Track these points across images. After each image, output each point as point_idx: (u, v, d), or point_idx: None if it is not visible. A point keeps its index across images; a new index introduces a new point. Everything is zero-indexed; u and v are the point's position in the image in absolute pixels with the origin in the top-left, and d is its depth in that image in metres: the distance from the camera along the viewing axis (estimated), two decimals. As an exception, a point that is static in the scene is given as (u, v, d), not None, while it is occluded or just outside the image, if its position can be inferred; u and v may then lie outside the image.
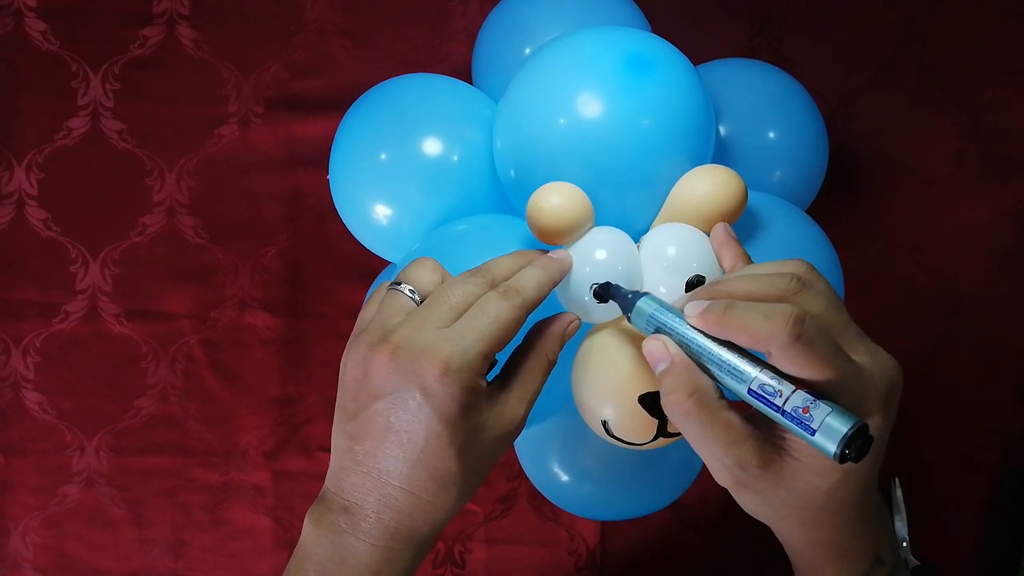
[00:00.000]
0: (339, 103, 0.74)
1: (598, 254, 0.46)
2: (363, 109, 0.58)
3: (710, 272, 0.46)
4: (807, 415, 0.35)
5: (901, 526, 0.70)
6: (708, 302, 0.38)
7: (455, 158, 0.54)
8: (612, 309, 0.47)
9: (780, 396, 0.36)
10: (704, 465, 0.79)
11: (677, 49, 0.51)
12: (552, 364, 0.44)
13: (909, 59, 0.76)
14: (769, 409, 0.36)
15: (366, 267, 0.75)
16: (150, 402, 0.76)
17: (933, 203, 0.77)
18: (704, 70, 0.61)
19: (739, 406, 0.39)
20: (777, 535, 0.43)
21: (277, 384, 0.77)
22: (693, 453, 0.64)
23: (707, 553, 0.78)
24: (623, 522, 0.78)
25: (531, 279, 0.43)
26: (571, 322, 0.45)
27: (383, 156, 0.55)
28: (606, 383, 0.47)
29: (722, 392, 0.38)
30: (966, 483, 0.78)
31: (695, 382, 0.37)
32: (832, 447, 0.34)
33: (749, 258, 0.45)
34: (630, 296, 0.43)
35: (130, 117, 0.75)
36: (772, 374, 0.36)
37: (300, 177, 0.75)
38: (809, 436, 0.35)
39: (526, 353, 0.44)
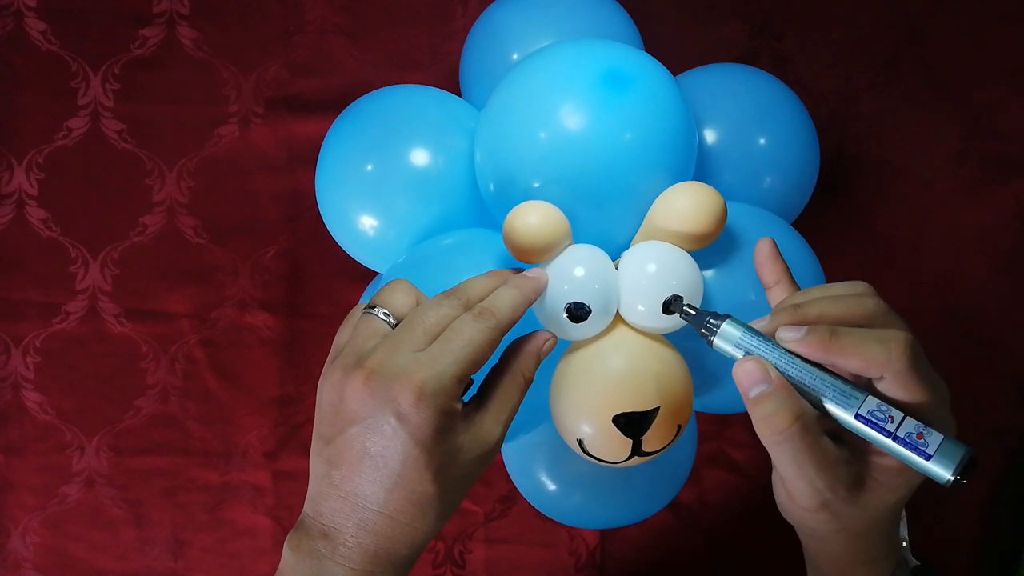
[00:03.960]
0: (339, 103, 0.73)
1: (575, 272, 0.46)
2: (349, 121, 0.58)
3: (689, 291, 0.46)
4: (922, 441, 0.36)
5: (901, 526, 0.70)
6: (805, 327, 0.37)
7: (440, 169, 0.54)
8: (588, 328, 0.47)
9: (891, 422, 0.36)
10: (694, 468, 0.78)
11: (658, 62, 0.51)
12: (528, 382, 0.44)
13: (909, 59, 0.76)
14: (878, 434, 0.37)
15: (365, 268, 0.75)
16: (150, 402, 0.76)
17: (933, 203, 0.77)
18: (693, 76, 0.61)
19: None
20: (812, 544, 0.44)
21: (277, 384, 0.77)
22: (681, 459, 0.64)
23: (707, 553, 0.78)
24: (623, 522, 0.78)
25: (505, 300, 0.42)
26: (547, 340, 0.45)
27: (369, 167, 0.55)
28: (582, 402, 0.47)
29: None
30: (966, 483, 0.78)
31: (800, 405, 0.37)
32: (947, 473, 0.35)
33: (792, 276, 0.45)
34: (710, 320, 0.41)
35: (130, 117, 0.75)
36: (877, 399, 0.37)
37: (300, 177, 0.75)
38: (922, 461, 0.36)
39: (502, 373, 0.43)
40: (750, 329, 0.40)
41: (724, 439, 0.77)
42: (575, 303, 0.46)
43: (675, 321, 0.47)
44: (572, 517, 0.65)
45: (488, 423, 0.41)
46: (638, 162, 0.48)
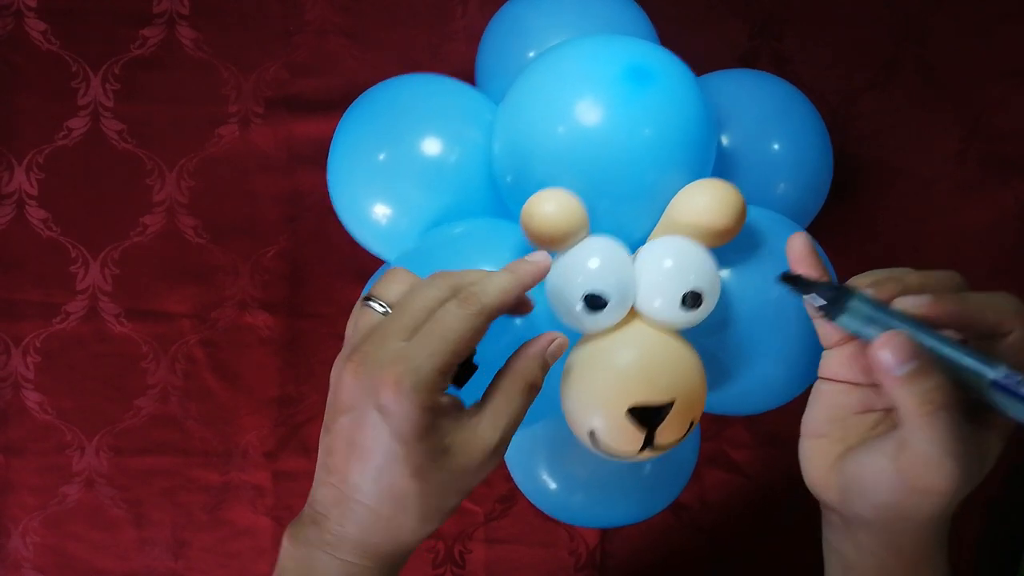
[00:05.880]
0: (339, 103, 0.74)
1: (591, 263, 0.46)
2: (362, 108, 0.58)
3: (707, 285, 0.46)
4: None
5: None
6: (924, 295, 0.37)
7: (454, 158, 0.54)
8: (605, 318, 0.47)
9: None
10: (694, 468, 0.78)
11: (679, 59, 0.51)
12: (533, 387, 0.42)
13: (909, 59, 0.76)
14: (1012, 399, 0.36)
15: (366, 267, 0.75)
16: (150, 402, 0.76)
17: (933, 203, 0.77)
18: (706, 81, 0.61)
19: None
20: (895, 534, 0.42)
21: (277, 384, 0.77)
22: (684, 458, 0.63)
23: (708, 553, 0.78)
24: (623, 522, 0.78)
25: (494, 283, 0.41)
26: (553, 341, 0.43)
27: (382, 156, 0.55)
28: (596, 393, 0.47)
29: None
30: None
31: (946, 378, 0.36)
32: None
33: (829, 274, 0.44)
34: (834, 291, 0.38)
35: (130, 117, 0.75)
36: (1007, 366, 0.37)
37: (300, 177, 0.75)
38: None
39: (503, 376, 0.42)
40: (875, 303, 0.38)
41: (724, 439, 0.77)
42: (593, 292, 0.46)
43: (692, 317, 0.47)
44: (573, 516, 0.65)
45: (483, 428, 0.40)
46: (658, 159, 0.48)
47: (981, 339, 0.38)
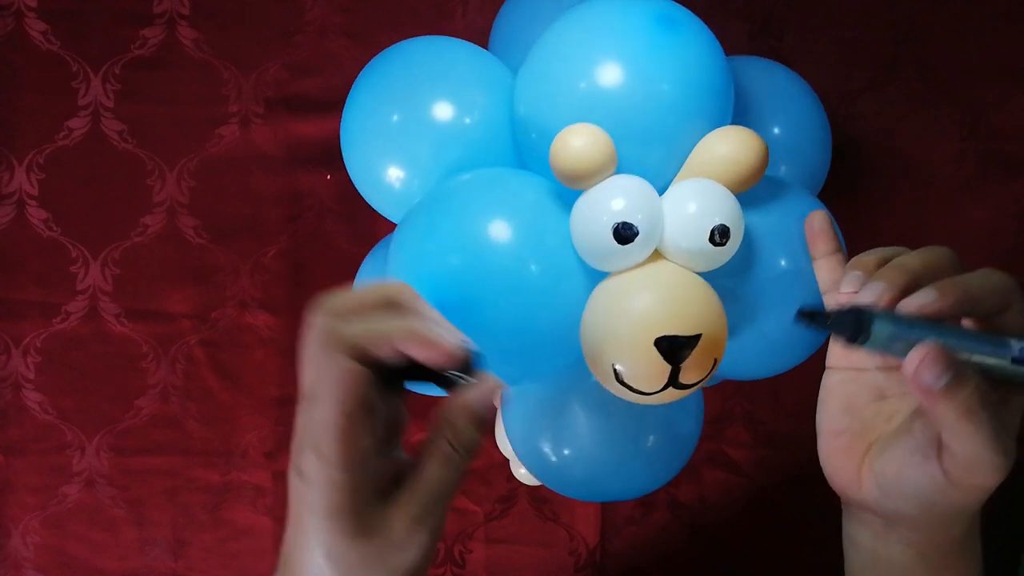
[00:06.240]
0: (339, 103, 0.73)
1: (620, 196, 0.46)
2: (376, 70, 0.57)
3: (734, 222, 0.46)
4: None
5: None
6: (931, 288, 0.35)
7: (468, 120, 0.54)
8: (633, 253, 0.47)
9: None
10: (695, 468, 0.78)
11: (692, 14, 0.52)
12: (463, 452, 0.36)
13: (909, 59, 0.76)
14: None
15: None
16: (150, 402, 0.76)
17: (933, 203, 0.77)
18: None
19: None
20: (942, 526, 0.41)
21: (277, 384, 0.77)
22: (690, 430, 0.63)
23: (707, 553, 0.78)
24: (623, 522, 0.78)
25: (363, 324, 0.35)
26: (489, 392, 0.36)
27: (395, 117, 0.54)
28: (623, 325, 0.46)
29: None
30: None
31: (979, 377, 0.35)
32: None
33: (841, 249, 0.44)
34: (856, 316, 0.36)
35: (130, 117, 0.75)
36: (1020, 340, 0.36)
37: (300, 177, 0.75)
38: None
39: (427, 441, 0.36)
40: (890, 317, 0.36)
41: (724, 439, 0.77)
42: (623, 223, 0.46)
43: (719, 253, 0.47)
44: (575, 489, 0.64)
45: (396, 524, 0.35)
46: (683, 106, 0.49)
47: (981, 319, 0.38)
